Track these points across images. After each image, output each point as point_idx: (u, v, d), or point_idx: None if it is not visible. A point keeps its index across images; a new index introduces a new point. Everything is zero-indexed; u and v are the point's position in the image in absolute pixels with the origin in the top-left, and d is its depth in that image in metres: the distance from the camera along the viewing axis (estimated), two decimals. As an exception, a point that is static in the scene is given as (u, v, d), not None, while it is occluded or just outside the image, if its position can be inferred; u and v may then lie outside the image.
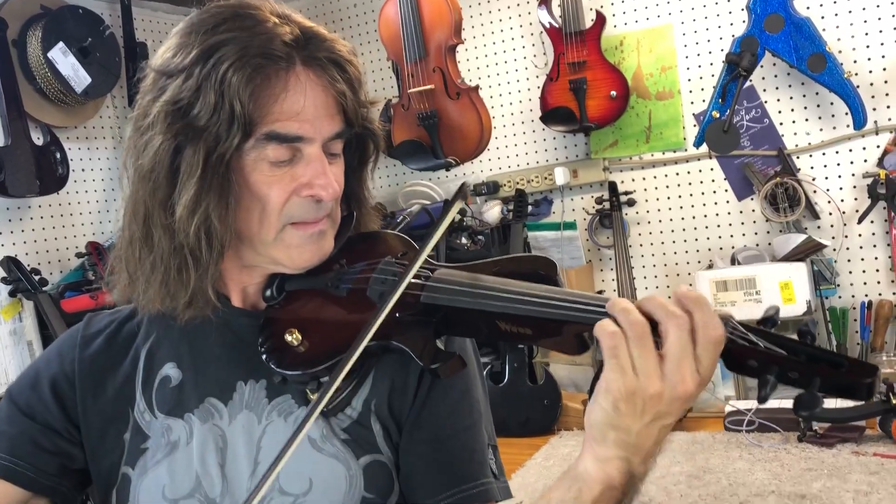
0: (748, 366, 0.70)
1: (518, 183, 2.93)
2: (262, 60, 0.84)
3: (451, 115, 2.62)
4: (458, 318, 0.83)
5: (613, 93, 2.65)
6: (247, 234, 0.90)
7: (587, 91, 2.64)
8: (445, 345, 0.93)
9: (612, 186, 2.75)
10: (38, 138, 2.61)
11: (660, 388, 0.70)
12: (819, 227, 2.55)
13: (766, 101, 2.59)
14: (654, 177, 2.79)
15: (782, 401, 2.26)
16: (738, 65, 2.40)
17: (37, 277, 2.52)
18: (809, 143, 2.55)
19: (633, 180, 2.81)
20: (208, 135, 0.83)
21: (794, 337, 0.72)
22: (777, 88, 2.58)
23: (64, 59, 2.61)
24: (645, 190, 2.80)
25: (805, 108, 2.55)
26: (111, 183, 2.94)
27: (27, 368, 1.02)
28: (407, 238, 0.99)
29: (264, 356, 0.89)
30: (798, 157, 2.57)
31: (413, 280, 0.83)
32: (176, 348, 0.97)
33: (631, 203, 2.78)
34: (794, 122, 2.57)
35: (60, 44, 2.60)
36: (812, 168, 2.56)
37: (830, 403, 2.19)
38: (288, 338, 0.88)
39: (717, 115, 2.46)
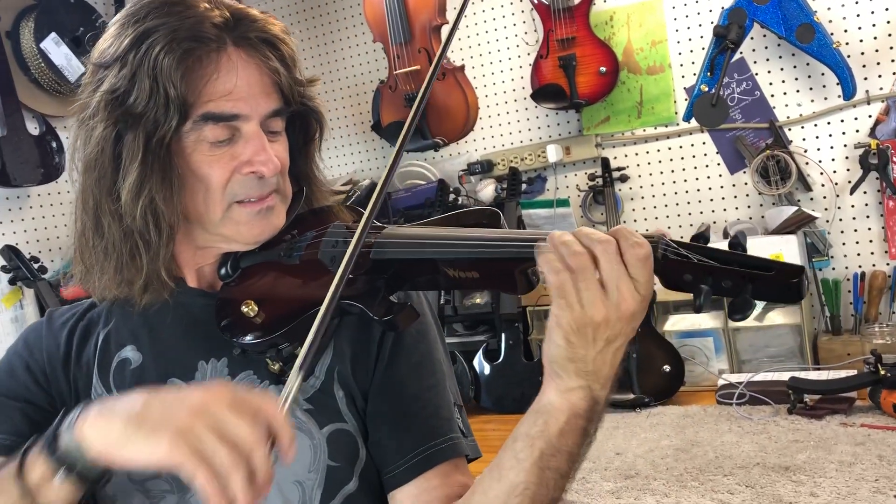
0: (684, 280, 0.72)
1: (512, 161, 2.93)
2: (193, 43, 0.86)
3: (437, 96, 2.64)
4: (407, 271, 0.85)
5: (603, 69, 2.64)
6: (195, 215, 0.92)
7: (577, 67, 2.63)
8: (403, 299, 0.94)
9: (605, 162, 2.74)
10: (34, 128, 2.64)
11: (604, 313, 0.72)
12: (812, 199, 2.53)
13: (756, 74, 2.57)
14: (647, 152, 2.77)
15: (776, 373, 2.31)
16: (726, 37, 2.38)
17: (36, 265, 2.56)
18: (801, 115, 2.53)
19: (626, 156, 2.80)
20: (146, 120, 0.85)
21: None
22: (767, 60, 2.56)
23: (57, 49, 2.63)
24: (638, 165, 2.78)
25: (796, 79, 2.53)
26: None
27: None
28: (357, 208, 1.01)
29: (222, 330, 0.90)
30: (790, 130, 2.55)
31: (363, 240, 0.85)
32: (134, 332, 0.99)
33: (624, 179, 2.77)
34: (784, 93, 2.55)
35: (53, 34, 2.62)
36: (804, 140, 2.54)
37: (814, 375, 2.21)
38: (244, 309, 0.90)
39: (706, 89, 2.44)
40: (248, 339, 0.89)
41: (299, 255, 0.93)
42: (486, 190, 2.90)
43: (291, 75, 0.93)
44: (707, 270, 0.72)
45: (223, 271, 0.96)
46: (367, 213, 0.83)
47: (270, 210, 0.94)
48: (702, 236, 0.75)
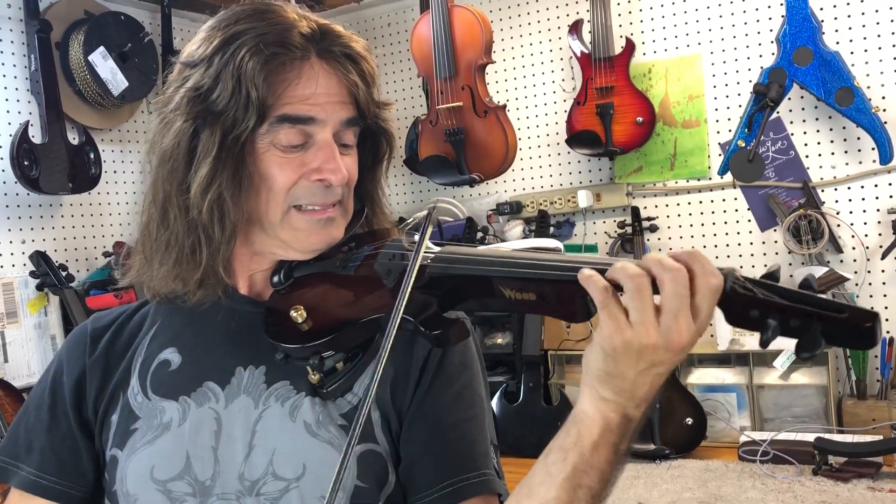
0: (750, 317, 0.71)
1: (541, 204, 2.95)
2: (278, 49, 0.88)
3: (477, 133, 2.65)
4: (463, 288, 0.85)
5: (640, 118, 2.66)
6: (256, 216, 0.92)
7: (613, 116, 2.65)
8: None
9: (635, 211, 2.76)
10: (73, 138, 2.66)
11: (655, 338, 0.71)
12: (842, 262, 2.53)
13: (792, 134, 2.59)
14: (678, 204, 2.79)
15: (799, 434, 2.29)
16: (766, 95, 2.41)
17: (64, 273, 2.56)
18: (835, 177, 2.54)
19: (657, 206, 2.82)
20: (225, 118, 0.87)
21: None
22: (804, 121, 2.58)
23: (104, 63, 2.67)
24: (668, 216, 2.80)
25: (831, 141, 2.55)
26: (142, 186, 2.96)
27: (43, 374, 1.04)
28: (414, 232, 0.99)
29: (268, 333, 0.90)
30: (823, 191, 2.56)
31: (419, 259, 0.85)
32: (178, 333, 0.99)
33: (653, 229, 2.79)
34: (819, 154, 2.57)
35: (101, 48, 2.66)
36: (836, 202, 2.55)
37: (846, 438, 2.18)
38: (293, 314, 0.89)
39: (743, 145, 2.46)
40: (293, 344, 0.88)
41: (355, 266, 0.93)
42: (514, 231, 2.90)
43: (369, 91, 0.95)
44: (776, 308, 0.70)
45: (276, 279, 0.97)
46: (424, 227, 0.85)
47: (331, 221, 0.95)
48: (772, 275, 0.74)
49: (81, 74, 2.65)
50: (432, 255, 0.87)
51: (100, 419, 0.98)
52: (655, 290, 0.72)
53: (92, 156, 2.67)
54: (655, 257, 0.73)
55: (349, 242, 0.97)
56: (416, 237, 0.85)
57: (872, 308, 0.70)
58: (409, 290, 0.81)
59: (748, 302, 0.71)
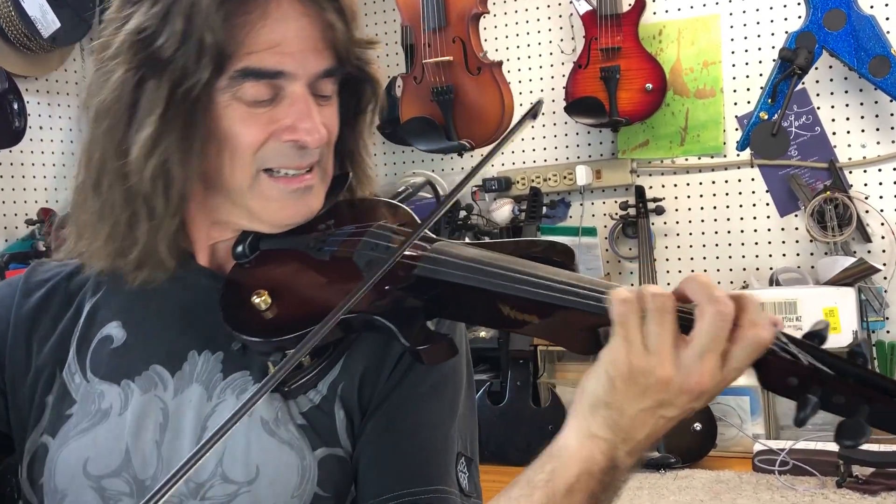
0: (787, 384, 0.70)
1: (533, 181, 2.92)
2: None
3: (469, 92, 2.61)
4: (454, 297, 0.83)
5: (649, 85, 2.65)
6: (218, 181, 0.90)
7: (620, 81, 2.64)
8: (436, 327, 0.92)
9: (640, 191, 2.74)
10: (-7, 85, 2.58)
11: (670, 374, 0.70)
12: (869, 252, 2.54)
13: (818, 108, 2.60)
14: (688, 184, 2.79)
15: (818, 442, 2.29)
16: (793, 62, 2.40)
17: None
18: (864, 157, 2.56)
19: (664, 186, 2.81)
20: (174, 68, 0.83)
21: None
22: (832, 94, 2.59)
23: (31, -1, 2.60)
24: (676, 198, 2.80)
25: (862, 117, 2.56)
26: (73, 146, 2.90)
27: None
28: (407, 209, 0.98)
29: (224, 318, 0.89)
30: (850, 172, 2.58)
31: (408, 251, 0.83)
32: (125, 306, 0.97)
33: (659, 211, 2.77)
34: (848, 132, 2.58)
35: (29, -19, 2.58)
36: (866, 185, 2.56)
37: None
38: (255, 300, 0.87)
39: (766, 117, 2.45)
40: (253, 335, 0.87)
41: (331, 251, 0.91)
42: (502, 210, 2.89)
43: (349, 31, 0.91)
44: (819, 379, 0.69)
45: (239, 249, 0.94)
46: (428, 220, 0.82)
47: (308, 190, 0.92)
48: (817, 335, 0.72)
49: (5, 11, 2.57)
50: (423, 253, 0.85)
51: (28, 398, 0.96)
52: (684, 329, 0.71)
53: (15, 106, 2.59)
54: (704, 281, 0.72)
55: (327, 219, 0.95)
56: (420, 224, 0.83)
57: None
58: (384, 287, 0.80)
59: (788, 367, 0.69)
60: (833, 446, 2.20)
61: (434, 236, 0.88)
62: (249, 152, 0.88)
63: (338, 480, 0.90)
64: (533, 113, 0.81)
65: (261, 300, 0.87)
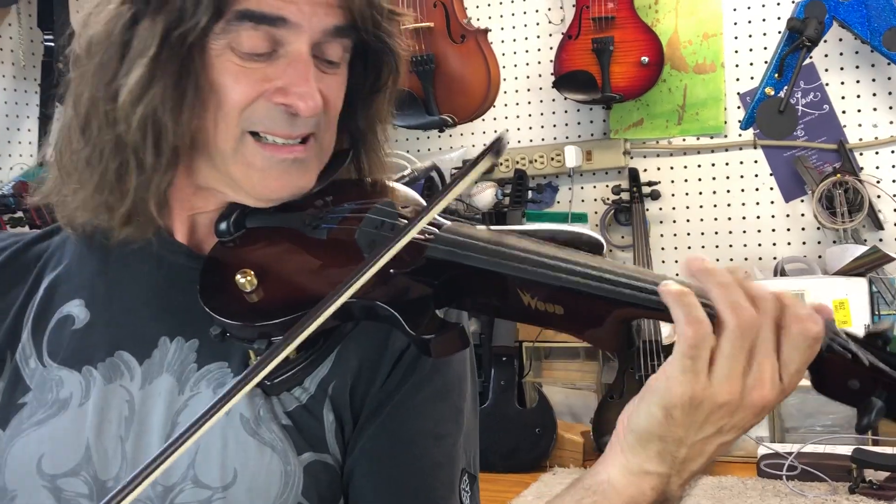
0: (847, 387, 0.69)
1: (518, 162, 2.89)
2: None
3: (451, 62, 2.57)
4: (468, 283, 0.81)
5: (645, 59, 2.62)
6: (202, 140, 0.89)
7: (613, 54, 2.61)
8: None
9: (633, 174, 2.72)
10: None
11: (731, 395, 0.69)
12: (881, 240, 2.52)
13: (826, 84, 2.59)
14: (685, 166, 2.76)
15: (828, 445, 2.27)
16: (802, 33, 2.35)
17: None
18: (876, 138, 2.54)
19: (659, 169, 2.78)
20: (171, 8, 0.83)
21: None
22: (842, 69, 2.57)
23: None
24: (672, 181, 2.77)
25: (874, 94, 2.55)
26: (7, 120, 2.79)
27: None
28: (414, 193, 0.97)
29: (202, 298, 0.86)
30: (861, 154, 2.56)
31: (417, 233, 0.80)
32: (89, 281, 0.95)
33: (655, 196, 2.75)
34: (859, 110, 2.56)
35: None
36: (878, 168, 2.55)
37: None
38: (240, 279, 0.85)
39: (772, 93, 2.41)
40: (235, 319, 0.84)
41: (329, 229, 0.89)
42: (484, 194, 2.84)
43: None
44: (885, 382, 0.67)
45: (223, 225, 0.92)
46: (436, 201, 0.78)
47: (298, 164, 0.90)
48: (882, 335, 0.70)
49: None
50: (436, 232, 0.82)
51: None
52: None
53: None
54: (731, 274, 0.70)
55: (325, 195, 0.92)
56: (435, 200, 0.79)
57: None
58: (389, 270, 0.78)
59: (848, 368, 0.68)
60: (845, 449, 2.18)
61: (443, 220, 0.85)
62: (236, 110, 0.86)
63: (324, 490, 0.88)
64: (496, 150, 0.75)
65: (246, 280, 0.84)
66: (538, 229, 0.87)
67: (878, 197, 2.52)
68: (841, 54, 2.56)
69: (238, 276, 0.84)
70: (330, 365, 0.90)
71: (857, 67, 2.55)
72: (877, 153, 2.55)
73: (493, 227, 0.87)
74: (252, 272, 0.85)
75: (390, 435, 0.89)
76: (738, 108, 2.66)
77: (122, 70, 0.84)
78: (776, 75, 2.41)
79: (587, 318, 0.76)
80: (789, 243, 2.64)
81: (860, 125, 2.55)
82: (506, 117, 2.96)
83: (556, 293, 0.75)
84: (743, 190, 2.69)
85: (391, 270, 0.79)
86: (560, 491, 0.78)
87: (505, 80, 2.89)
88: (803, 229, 2.62)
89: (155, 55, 0.82)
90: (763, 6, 2.65)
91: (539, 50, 2.91)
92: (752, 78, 2.65)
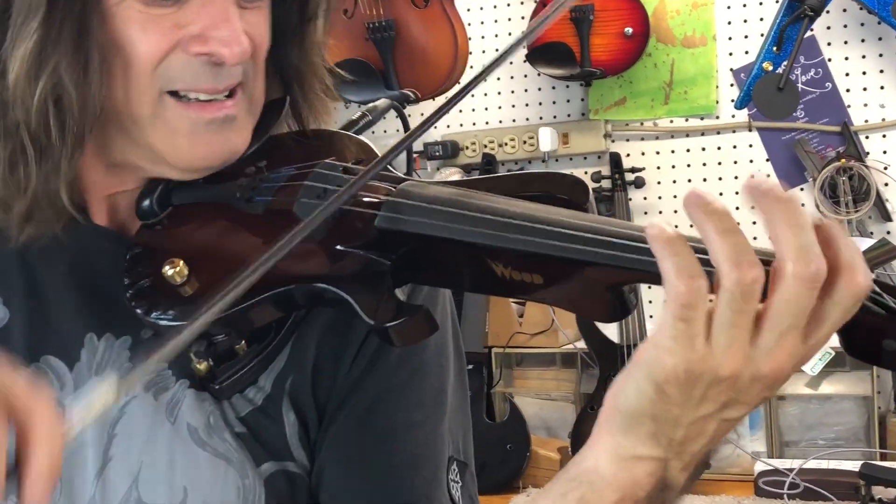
0: (882, 348, 0.64)
1: (486, 146, 2.86)
2: None
3: (413, 30, 2.54)
4: (429, 255, 0.79)
5: (629, 29, 2.58)
6: (112, 110, 0.85)
7: (593, 24, 2.58)
8: (409, 297, 0.88)
9: (615, 160, 2.69)
10: None
11: (738, 366, 0.63)
12: (889, 233, 2.53)
13: (829, 59, 2.57)
14: (673, 150, 2.73)
15: (831, 460, 2.30)
16: (803, 2, 2.31)
17: None
18: (884, 120, 2.53)
19: (644, 153, 2.76)
20: None
21: None
22: (846, 42, 2.54)
23: None
24: (658, 168, 2.74)
25: (881, 71, 2.53)
26: None
27: None
28: (367, 142, 0.94)
29: (128, 297, 0.85)
30: (867, 137, 2.54)
31: (366, 195, 0.79)
32: (3, 275, 0.92)
33: (639, 184, 2.71)
34: (865, 88, 2.54)
35: None
36: (885, 152, 2.53)
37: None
38: (168, 271, 0.83)
39: (770, 68, 2.37)
40: (166, 316, 0.83)
41: (265, 203, 0.86)
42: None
43: None
44: None
45: (145, 204, 0.89)
46: (389, 152, 0.76)
47: (229, 122, 0.86)
48: None
49: None
50: (386, 198, 0.79)
51: None
52: None
53: None
54: (788, 214, 0.61)
55: (258, 159, 0.90)
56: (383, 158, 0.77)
57: None
58: (335, 248, 0.77)
59: (884, 325, 0.64)
60: (852, 464, 2.22)
61: (403, 176, 0.82)
62: (148, 67, 0.83)
63: (287, 501, 0.88)
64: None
65: (175, 272, 0.82)
66: (502, 175, 0.84)
67: (886, 185, 2.52)
68: (845, 26, 2.53)
69: (166, 268, 0.83)
70: (286, 358, 0.89)
71: (863, 41, 2.52)
72: (884, 136, 2.53)
73: (460, 181, 0.85)
74: (181, 261, 0.83)
75: (359, 429, 0.89)
76: (732, 85, 2.65)
77: (4, 41, 0.80)
78: (774, 48, 2.37)
79: (571, 287, 0.72)
80: (788, 235, 2.61)
81: (866, 105, 2.53)
82: (473, 95, 2.90)
83: (532, 260, 0.72)
84: (736, 177, 2.66)
85: (338, 247, 0.78)
86: (543, 487, 0.76)
87: (472, 52, 2.85)
88: (803, 221, 2.59)
89: (46, 17, 0.78)
90: (760, -29, 2.66)
91: (510, 19, 2.86)
92: (746, 52, 2.62)
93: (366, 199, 0.79)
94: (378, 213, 0.78)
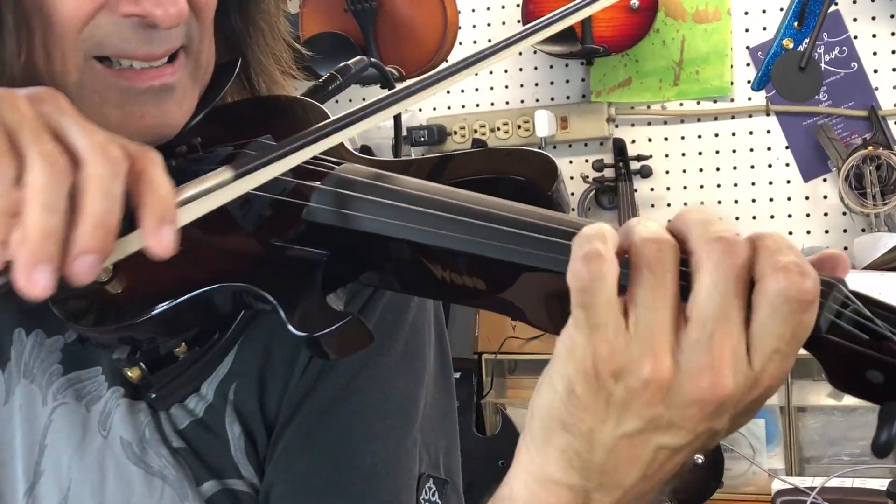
0: (866, 380, 0.60)
1: (477, 131, 2.86)
2: None
3: (397, 2, 2.53)
4: (362, 253, 0.77)
5: (635, 2, 2.57)
6: (33, 78, 0.84)
7: None
8: (349, 301, 0.88)
9: (619, 146, 2.69)
10: None
11: (665, 370, 0.59)
12: None
13: (855, 37, 2.56)
14: (683, 137, 2.72)
15: (856, 479, 2.31)
16: (828, -28, 2.35)
17: None
18: None
19: (651, 140, 2.74)
20: None
21: None
22: (873, 18, 2.55)
23: None
24: (667, 156, 2.73)
25: None
26: None
27: None
28: (323, 109, 0.93)
29: (50, 300, 0.80)
30: None
31: (298, 180, 0.78)
32: None
33: (646, 173, 2.69)
34: (894, 69, 2.55)
35: None
36: None
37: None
38: None
39: (791, 46, 2.30)
40: (89, 322, 0.82)
41: None
42: (436, 170, 2.68)
43: None
44: None
45: None
46: (318, 132, 0.72)
47: (168, 91, 0.86)
48: None
49: None
50: (314, 186, 0.78)
51: None
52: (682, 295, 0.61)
53: None
54: (700, 216, 0.61)
55: (193, 138, 0.89)
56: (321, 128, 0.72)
57: None
58: (273, 242, 0.76)
59: (865, 353, 0.59)
60: (878, 483, 2.26)
61: (346, 153, 0.82)
62: (71, 30, 0.82)
63: None
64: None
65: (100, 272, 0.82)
66: (457, 152, 0.82)
67: (917, 175, 2.55)
68: (873, 0, 2.52)
69: None
70: (230, 363, 0.88)
71: (893, 17, 2.52)
72: (916, 122, 2.56)
73: (399, 160, 0.85)
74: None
75: (310, 441, 0.88)
76: (748, 65, 2.63)
77: None
78: (795, 24, 2.29)
79: (517, 292, 0.69)
80: (809, 231, 2.62)
81: (895, 87, 2.51)
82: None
83: (470, 261, 0.70)
84: (753, 166, 2.65)
85: (271, 241, 0.77)
86: None
87: (462, 27, 2.84)
88: (826, 214, 2.59)
89: None
90: (778, -60, 2.65)
91: (503, -9, 2.83)
92: (764, 28, 2.61)
93: (308, 184, 0.77)
94: (307, 204, 0.77)
